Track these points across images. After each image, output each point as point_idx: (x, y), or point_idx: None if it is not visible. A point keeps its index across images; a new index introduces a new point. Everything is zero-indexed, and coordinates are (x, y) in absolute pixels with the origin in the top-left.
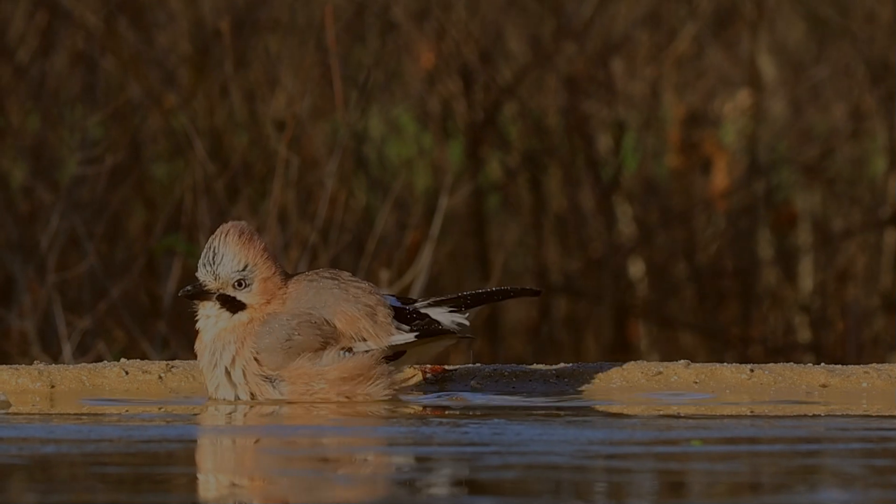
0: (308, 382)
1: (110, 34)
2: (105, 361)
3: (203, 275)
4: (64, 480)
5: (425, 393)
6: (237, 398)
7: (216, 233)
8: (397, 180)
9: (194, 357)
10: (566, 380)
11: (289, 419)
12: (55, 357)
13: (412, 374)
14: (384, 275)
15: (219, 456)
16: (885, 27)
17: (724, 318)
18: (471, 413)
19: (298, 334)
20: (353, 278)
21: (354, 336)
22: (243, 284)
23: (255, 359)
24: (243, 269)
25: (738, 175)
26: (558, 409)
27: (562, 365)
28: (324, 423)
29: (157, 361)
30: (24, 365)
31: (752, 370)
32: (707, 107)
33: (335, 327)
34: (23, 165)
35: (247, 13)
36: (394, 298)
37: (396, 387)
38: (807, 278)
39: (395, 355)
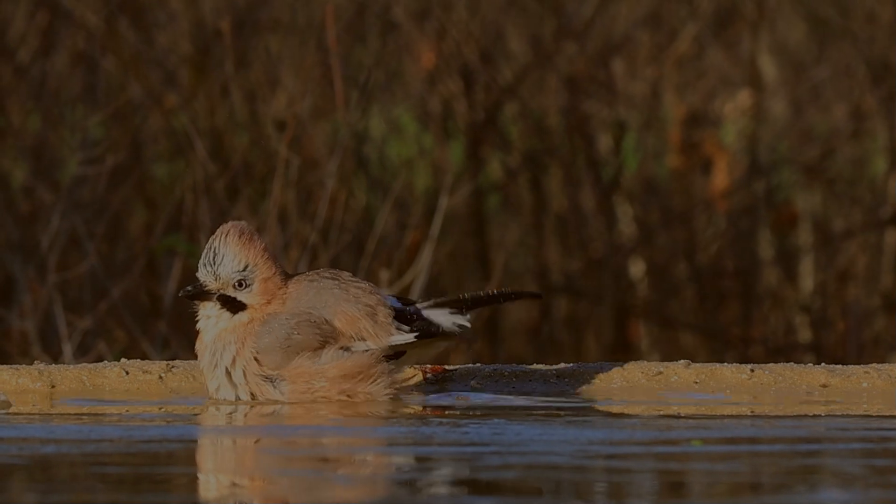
0: (308, 381)
1: (111, 34)
2: (105, 361)
3: (203, 275)
4: (64, 480)
5: (425, 393)
6: (238, 398)
7: (216, 233)
8: (397, 180)
9: (195, 357)
10: (566, 380)
11: (289, 419)
12: (56, 357)
13: (412, 374)
14: (384, 275)
15: (219, 456)
16: (886, 27)
17: (725, 318)
18: (471, 413)
19: (297, 333)
20: (353, 278)
21: (354, 336)
22: (244, 285)
23: (255, 359)
24: (244, 270)
25: (739, 175)
26: (558, 409)
27: (562, 365)
28: (324, 423)
29: (157, 361)
30: (24, 365)
31: (752, 370)
32: (708, 107)
33: (335, 327)
34: (23, 165)
35: (247, 13)
36: (394, 299)
37: (397, 386)
38: (807, 278)
39: (395, 355)
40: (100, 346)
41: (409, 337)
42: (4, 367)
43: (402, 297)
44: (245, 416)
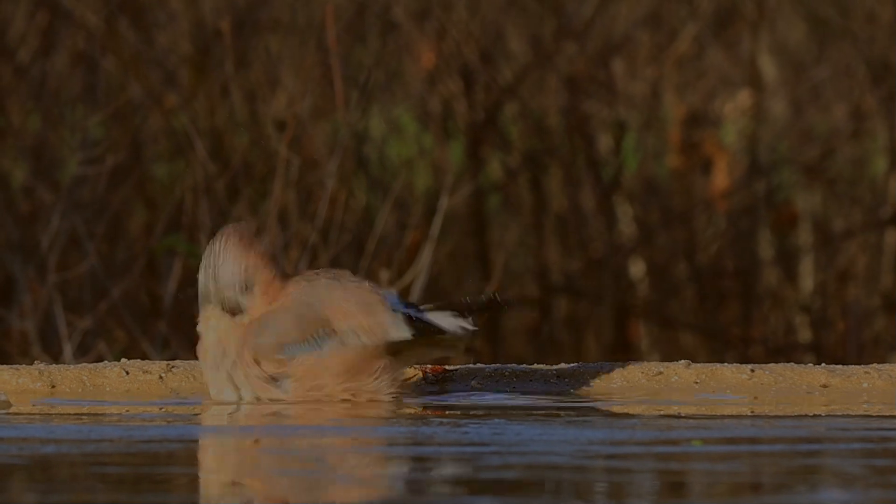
0: (312, 378)
1: (111, 34)
2: (106, 361)
3: (204, 279)
4: (64, 480)
5: (425, 393)
6: (241, 400)
7: (216, 236)
8: (397, 180)
9: (195, 357)
10: (567, 380)
11: (289, 419)
12: (56, 357)
13: (412, 374)
14: (384, 275)
15: (219, 456)
16: (886, 27)
17: (725, 318)
18: (471, 413)
19: (281, 320)
20: (353, 278)
21: (350, 330)
22: (244, 288)
23: (255, 359)
24: (244, 273)
25: (739, 175)
26: (559, 409)
27: (562, 365)
28: (324, 423)
29: (157, 361)
30: (24, 365)
31: (752, 370)
32: (708, 107)
33: (329, 320)
34: (23, 165)
35: (247, 13)
36: (395, 299)
37: (398, 384)
38: (807, 278)
39: (394, 354)
40: (100, 346)
41: (408, 333)
42: (4, 367)
43: (403, 298)
44: (245, 416)
